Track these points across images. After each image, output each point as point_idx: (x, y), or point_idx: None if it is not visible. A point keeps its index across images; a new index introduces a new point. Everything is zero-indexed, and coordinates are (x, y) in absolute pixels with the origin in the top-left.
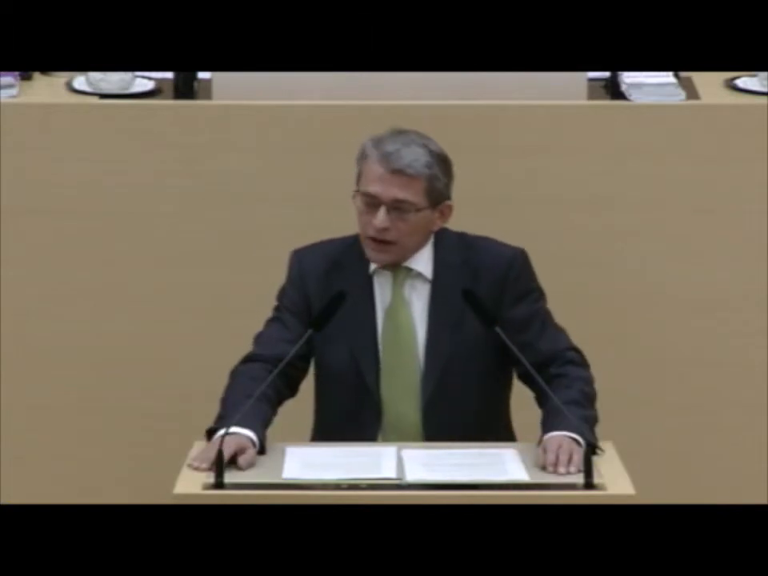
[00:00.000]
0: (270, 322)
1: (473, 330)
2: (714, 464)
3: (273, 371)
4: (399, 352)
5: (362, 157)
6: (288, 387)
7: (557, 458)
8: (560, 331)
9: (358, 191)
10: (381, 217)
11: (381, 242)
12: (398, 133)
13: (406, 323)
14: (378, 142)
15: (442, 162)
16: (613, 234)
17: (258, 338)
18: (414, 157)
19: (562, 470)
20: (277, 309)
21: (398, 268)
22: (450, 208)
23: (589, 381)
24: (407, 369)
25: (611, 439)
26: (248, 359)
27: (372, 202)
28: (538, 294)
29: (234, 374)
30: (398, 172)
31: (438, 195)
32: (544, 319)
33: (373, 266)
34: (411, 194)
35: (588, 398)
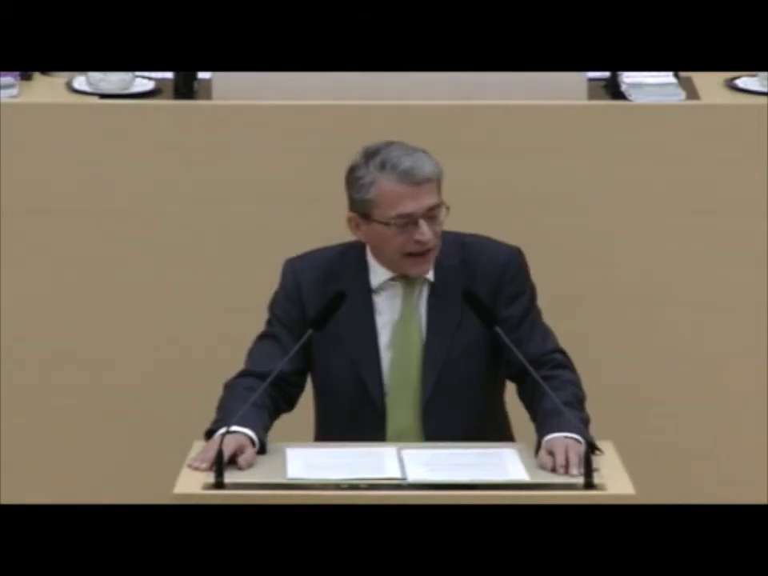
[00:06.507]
0: (263, 337)
1: (471, 331)
2: (714, 464)
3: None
4: (407, 362)
5: (366, 185)
6: (285, 402)
7: (567, 459)
8: (548, 332)
9: (383, 219)
10: (425, 229)
11: (422, 254)
12: (384, 148)
13: (415, 332)
14: (381, 164)
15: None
16: (613, 233)
17: (251, 355)
18: (429, 163)
19: (574, 471)
20: (269, 323)
21: (409, 278)
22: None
23: (578, 384)
24: (413, 379)
25: (611, 439)
26: (242, 375)
27: (407, 222)
28: (531, 294)
29: (229, 386)
30: (422, 182)
31: (440, 188)
32: (534, 319)
33: (379, 279)
34: (436, 196)
35: (579, 401)
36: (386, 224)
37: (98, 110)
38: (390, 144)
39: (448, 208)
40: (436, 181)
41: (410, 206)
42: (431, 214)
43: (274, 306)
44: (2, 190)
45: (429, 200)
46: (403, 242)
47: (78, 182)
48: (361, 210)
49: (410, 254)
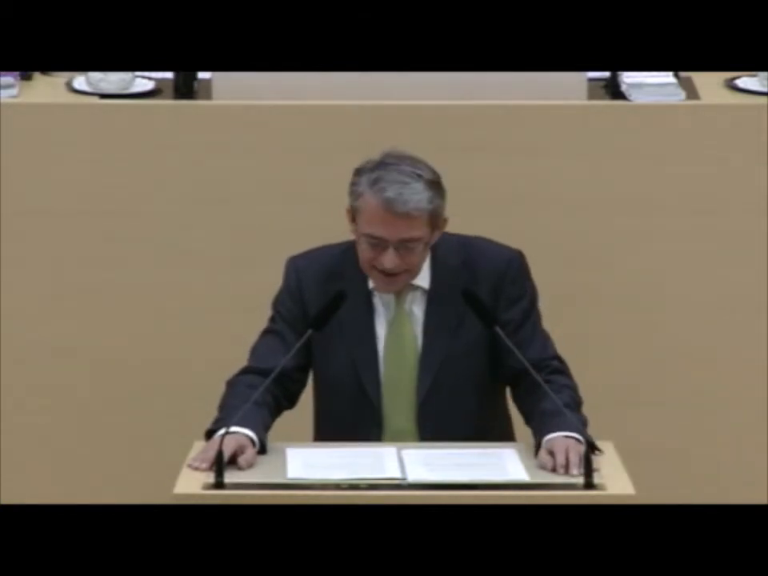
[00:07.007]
0: (266, 333)
1: (472, 331)
2: (714, 464)
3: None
4: (402, 365)
5: (357, 193)
6: (286, 399)
7: (567, 459)
8: (547, 338)
9: (360, 231)
10: (390, 257)
11: (390, 275)
12: (391, 165)
13: (409, 335)
14: (374, 182)
15: (438, 188)
16: (612, 234)
17: (254, 351)
18: (417, 198)
19: (574, 471)
20: (272, 319)
21: None
22: (445, 221)
23: (575, 389)
24: (408, 382)
25: (611, 439)
26: (245, 371)
27: (377, 243)
28: (531, 297)
29: (231, 384)
30: (402, 215)
31: (438, 219)
32: (535, 323)
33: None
34: (417, 231)
35: (577, 404)
36: (358, 236)
37: (98, 109)
38: (399, 162)
39: (433, 234)
40: (423, 216)
41: (381, 231)
42: (406, 246)
43: (277, 303)
44: (2, 190)
45: (404, 233)
46: (371, 258)
47: (77, 181)
48: (351, 210)
49: (378, 269)
